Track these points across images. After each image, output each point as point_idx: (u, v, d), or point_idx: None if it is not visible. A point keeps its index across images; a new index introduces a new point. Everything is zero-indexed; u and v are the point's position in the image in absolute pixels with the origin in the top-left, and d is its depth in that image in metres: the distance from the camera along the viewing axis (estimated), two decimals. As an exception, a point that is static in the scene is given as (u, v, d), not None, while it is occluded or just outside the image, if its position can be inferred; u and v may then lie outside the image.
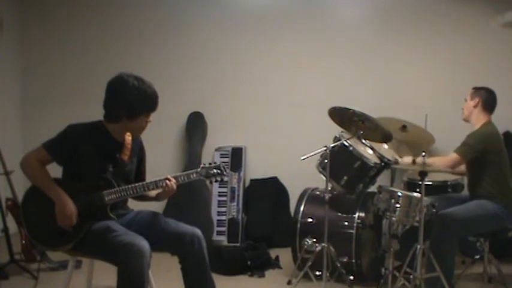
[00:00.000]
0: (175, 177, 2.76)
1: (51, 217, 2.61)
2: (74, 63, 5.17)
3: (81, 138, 2.69)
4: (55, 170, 2.77)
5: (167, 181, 2.73)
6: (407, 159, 3.61)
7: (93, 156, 2.70)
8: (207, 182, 2.84)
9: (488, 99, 3.63)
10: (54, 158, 2.68)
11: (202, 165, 2.80)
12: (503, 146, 3.58)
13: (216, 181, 2.84)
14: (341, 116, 3.66)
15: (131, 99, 2.65)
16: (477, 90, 3.68)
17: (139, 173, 2.96)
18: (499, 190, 3.50)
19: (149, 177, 2.87)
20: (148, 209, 2.94)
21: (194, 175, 2.78)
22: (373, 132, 3.63)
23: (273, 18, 5.04)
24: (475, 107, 3.62)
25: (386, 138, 3.73)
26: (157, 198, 2.86)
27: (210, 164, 2.82)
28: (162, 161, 4.73)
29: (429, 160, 3.37)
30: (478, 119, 3.61)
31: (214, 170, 2.80)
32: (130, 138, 2.84)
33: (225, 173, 2.82)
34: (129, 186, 2.71)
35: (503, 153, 3.56)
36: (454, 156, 3.51)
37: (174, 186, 2.75)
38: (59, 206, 2.59)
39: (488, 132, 3.55)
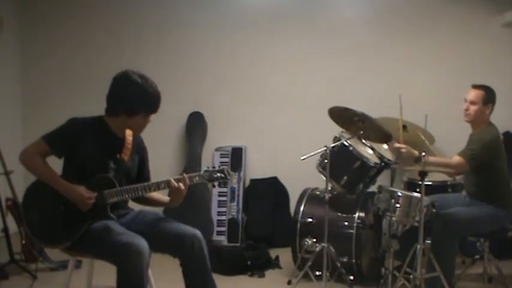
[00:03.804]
0: (176, 180, 2.74)
1: (52, 213, 2.62)
2: (74, 63, 5.16)
3: (82, 133, 2.69)
4: (56, 168, 2.76)
5: (171, 182, 2.72)
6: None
7: (94, 151, 2.70)
8: (209, 185, 2.87)
9: (495, 103, 3.54)
10: (52, 150, 2.66)
11: (205, 169, 2.83)
12: (502, 148, 3.53)
13: (219, 185, 2.87)
14: (341, 116, 3.66)
15: (131, 95, 2.67)
16: (488, 93, 3.48)
17: (143, 173, 2.93)
18: (499, 191, 3.49)
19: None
20: (149, 209, 2.94)
21: (197, 178, 2.81)
22: (373, 132, 3.63)
23: (272, 18, 5.04)
24: (489, 113, 3.50)
25: (386, 138, 3.73)
26: (170, 203, 2.84)
27: (213, 167, 2.85)
28: (162, 161, 4.72)
29: (433, 159, 3.34)
30: (482, 123, 3.54)
31: (218, 174, 2.83)
32: (131, 136, 2.84)
33: (228, 177, 2.86)
34: (131, 187, 2.70)
35: (503, 155, 3.52)
36: (459, 160, 3.40)
37: (182, 186, 2.73)
38: (71, 197, 2.60)
39: (492, 138, 3.46)
